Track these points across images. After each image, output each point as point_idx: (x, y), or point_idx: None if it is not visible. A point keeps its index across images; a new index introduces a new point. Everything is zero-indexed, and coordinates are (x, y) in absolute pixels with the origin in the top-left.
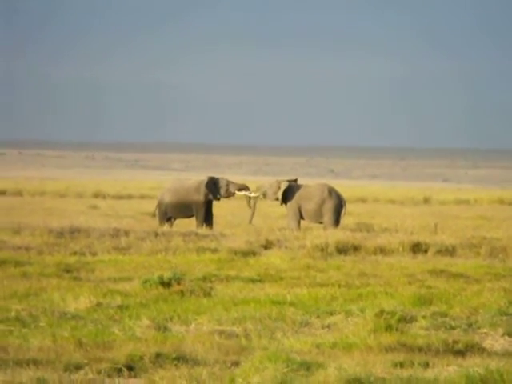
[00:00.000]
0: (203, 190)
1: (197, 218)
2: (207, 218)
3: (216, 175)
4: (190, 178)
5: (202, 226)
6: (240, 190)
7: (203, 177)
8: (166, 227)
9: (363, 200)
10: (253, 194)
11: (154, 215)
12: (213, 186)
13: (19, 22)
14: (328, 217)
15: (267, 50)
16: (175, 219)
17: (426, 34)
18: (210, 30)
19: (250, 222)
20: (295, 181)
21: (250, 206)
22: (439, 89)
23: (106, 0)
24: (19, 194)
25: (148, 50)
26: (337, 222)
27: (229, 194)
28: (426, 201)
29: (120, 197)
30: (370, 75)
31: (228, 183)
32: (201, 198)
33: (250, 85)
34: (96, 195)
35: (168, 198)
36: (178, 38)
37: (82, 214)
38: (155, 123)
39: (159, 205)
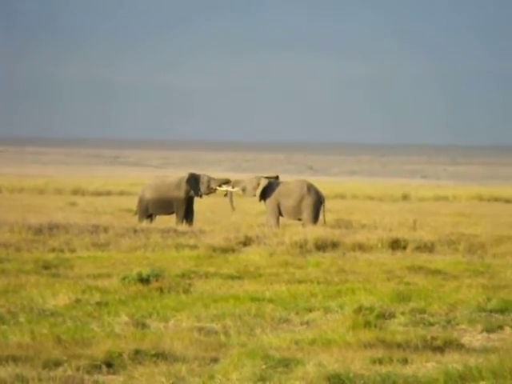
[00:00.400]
0: (184, 186)
1: (177, 215)
2: (188, 215)
3: (196, 172)
4: (170, 175)
5: (182, 222)
6: (221, 185)
7: (184, 173)
8: (145, 223)
9: (342, 196)
10: (233, 189)
11: (135, 213)
12: (194, 183)
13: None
14: (307, 213)
15: (248, 51)
16: (156, 215)
17: (404, 34)
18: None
19: (233, 209)
20: (276, 178)
21: (230, 201)
22: (418, 87)
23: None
24: None
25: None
26: (315, 218)
27: (210, 190)
28: (405, 197)
29: (99, 193)
30: (349, 73)
31: (209, 179)
32: (181, 194)
33: (229, 81)
34: (75, 192)
35: (149, 195)
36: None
37: (60, 210)
38: (134, 120)
39: (140, 201)
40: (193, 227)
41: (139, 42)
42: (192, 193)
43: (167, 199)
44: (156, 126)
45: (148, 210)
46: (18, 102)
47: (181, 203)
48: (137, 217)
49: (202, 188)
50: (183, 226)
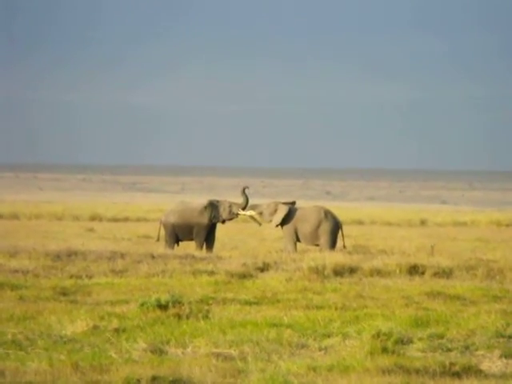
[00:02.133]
0: (206, 212)
1: (196, 240)
2: (209, 241)
3: (215, 197)
4: (193, 201)
5: (202, 248)
6: (243, 209)
7: (205, 199)
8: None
9: (360, 222)
10: (252, 213)
11: (157, 239)
12: (215, 209)
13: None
14: (324, 239)
15: (270, 70)
16: (181, 241)
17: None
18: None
19: (260, 224)
20: (293, 203)
21: (256, 222)
22: (435, 112)
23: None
24: (16, 217)
25: (144, 73)
26: (333, 244)
27: (232, 216)
28: (423, 223)
29: (116, 219)
30: (365, 97)
31: (230, 204)
32: (204, 220)
33: (244, 106)
34: (92, 218)
35: (173, 220)
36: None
37: (78, 236)
38: (151, 146)
39: (165, 227)
40: (211, 253)
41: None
42: (215, 219)
43: (190, 225)
44: (173, 151)
45: (176, 236)
46: (33, 127)
47: (202, 229)
48: (161, 243)
49: (224, 214)
50: (202, 252)
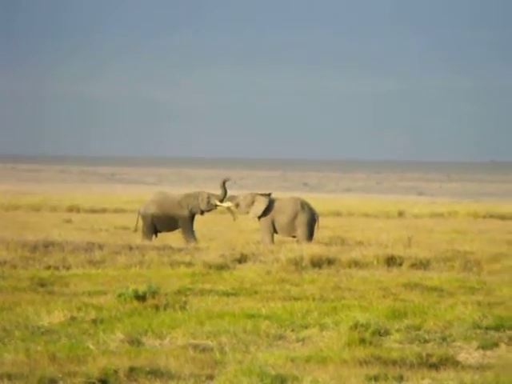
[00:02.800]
0: (186, 204)
1: (184, 233)
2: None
3: (193, 189)
4: (171, 193)
5: (192, 239)
6: (221, 200)
7: (185, 191)
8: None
9: (337, 213)
10: (228, 204)
11: (134, 230)
12: (194, 200)
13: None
14: (301, 231)
15: (243, 65)
16: (159, 232)
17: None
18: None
19: (234, 219)
20: (269, 195)
21: (233, 215)
22: (413, 103)
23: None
24: None
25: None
26: (310, 235)
27: (211, 207)
28: (400, 214)
29: (94, 210)
30: (341, 88)
31: (209, 196)
32: (184, 212)
33: (224, 98)
34: (70, 209)
35: (152, 211)
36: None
37: (56, 227)
38: (128, 137)
39: (144, 218)
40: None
41: (130, 54)
42: (194, 209)
43: (171, 216)
44: (149, 142)
45: (155, 227)
46: (10, 118)
47: (185, 221)
48: (139, 234)
49: (202, 205)
50: (196, 243)
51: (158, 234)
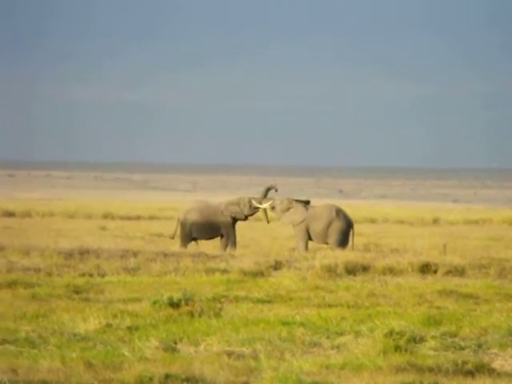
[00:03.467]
0: (229, 210)
1: (228, 239)
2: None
3: (226, 195)
4: (212, 200)
5: (234, 246)
6: (261, 202)
7: (227, 198)
8: (188, 247)
9: (372, 220)
10: (265, 206)
11: (172, 237)
12: (236, 206)
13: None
14: (334, 238)
15: (270, 67)
16: (199, 240)
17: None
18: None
19: (269, 222)
20: (307, 202)
21: (266, 218)
22: (450, 110)
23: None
24: (28, 215)
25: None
26: (343, 242)
27: (253, 211)
28: (435, 221)
29: (129, 218)
30: (376, 96)
31: (250, 200)
32: (228, 218)
33: (255, 103)
34: (105, 216)
35: (193, 219)
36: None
37: (91, 234)
38: (162, 144)
39: (183, 225)
40: (223, 252)
41: (167, 68)
42: (237, 215)
43: (212, 223)
44: (185, 149)
45: (192, 234)
46: (43, 125)
47: (229, 227)
48: (174, 241)
49: (245, 210)
50: (236, 250)
51: (199, 242)
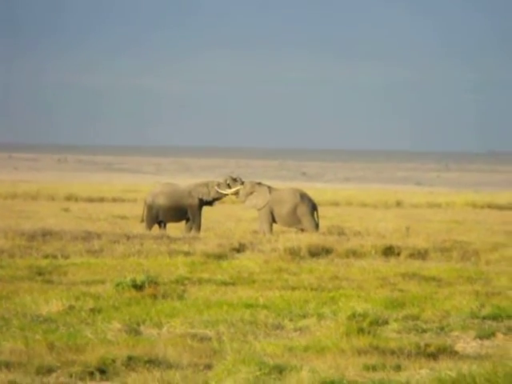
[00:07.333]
0: (196, 193)
1: (194, 222)
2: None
3: (191, 179)
4: (177, 183)
5: (199, 229)
6: (229, 186)
7: (194, 181)
8: (154, 230)
9: (336, 203)
10: (230, 191)
11: (142, 220)
12: (204, 189)
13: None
14: (307, 221)
15: (240, 53)
16: (166, 223)
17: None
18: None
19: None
20: (268, 187)
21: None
22: (411, 93)
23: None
24: None
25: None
26: (316, 225)
27: (220, 195)
28: (399, 204)
29: (92, 200)
30: (340, 78)
31: (218, 184)
32: (195, 201)
33: (221, 87)
34: (68, 198)
35: (160, 202)
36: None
37: (54, 216)
38: (125, 126)
39: (149, 208)
40: (186, 234)
41: (129, 46)
42: (204, 197)
43: (180, 207)
44: (147, 132)
45: (158, 218)
46: (8, 108)
47: (196, 210)
48: (143, 224)
49: (212, 192)
50: (200, 233)
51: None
